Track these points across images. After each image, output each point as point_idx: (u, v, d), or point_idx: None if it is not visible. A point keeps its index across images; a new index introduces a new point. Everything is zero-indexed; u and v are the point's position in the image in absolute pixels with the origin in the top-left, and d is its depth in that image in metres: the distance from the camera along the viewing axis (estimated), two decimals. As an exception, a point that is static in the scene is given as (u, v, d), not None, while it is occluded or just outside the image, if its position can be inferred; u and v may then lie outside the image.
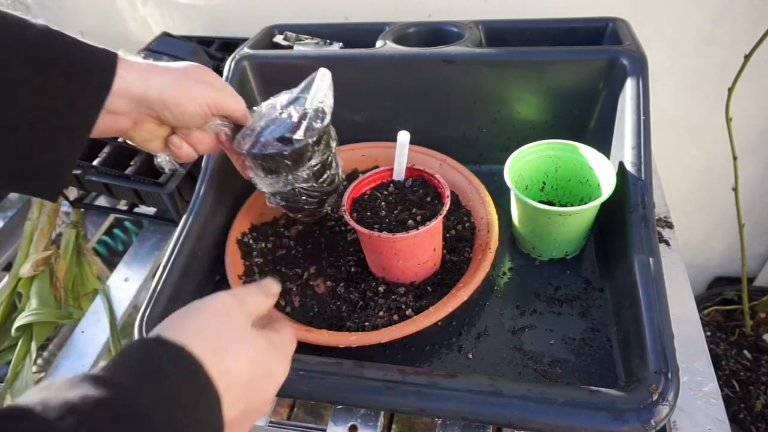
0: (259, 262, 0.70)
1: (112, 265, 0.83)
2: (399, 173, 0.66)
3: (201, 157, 0.74)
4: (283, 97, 0.63)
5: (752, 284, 1.32)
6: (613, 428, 0.45)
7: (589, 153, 0.66)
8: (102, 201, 0.92)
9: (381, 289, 0.64)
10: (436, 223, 0.58)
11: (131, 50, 0.90)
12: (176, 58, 0.90)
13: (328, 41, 0.86)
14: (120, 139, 0.81)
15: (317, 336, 0.58)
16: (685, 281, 0.68)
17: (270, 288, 0.47)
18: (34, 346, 0.71)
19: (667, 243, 0.72)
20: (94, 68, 0.47)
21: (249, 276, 0.67)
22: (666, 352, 0.48)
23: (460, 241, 0.68)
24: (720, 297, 1.27)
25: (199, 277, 0.67)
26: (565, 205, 0.70)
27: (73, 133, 0.46)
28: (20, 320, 0.71)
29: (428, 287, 0.64)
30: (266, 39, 0.87)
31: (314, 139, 0.58)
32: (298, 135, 0.59)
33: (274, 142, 0.59)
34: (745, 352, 1.15)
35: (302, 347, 0.57)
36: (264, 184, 0.62)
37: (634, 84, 0.67)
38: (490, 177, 0.73)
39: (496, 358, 0.58)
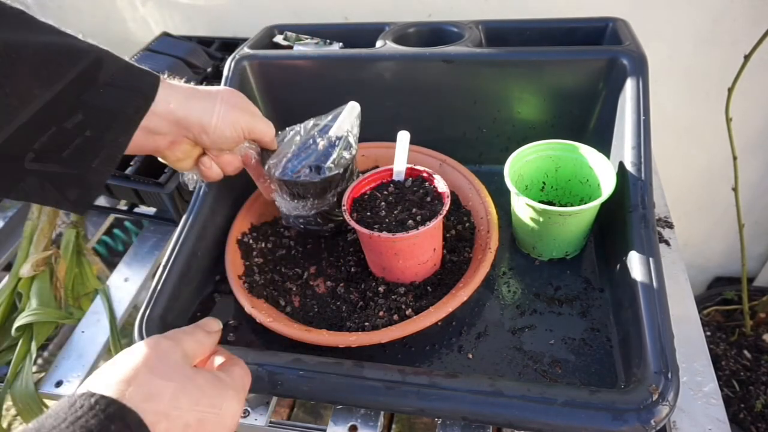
0: (259, 262, 0.70)
1: (112, 265, 0.83)
2: (399, 173, 0.66)
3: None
4: (309, 124, 0.66)
5: (752, 284, 1.32)
6: (613, 428, 0.45)
7: (589, 153, 0.66)
8: (102, 201, 0.92)
9: (381, 289, 0.64)
10: (436, 223, 0.58)
11: (131, 50, 0.90)
12: (176, 58, 0.90)
13: (328, 41, 0.86)
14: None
15: (317, 336, 0.58)
16: (685, 281, 0.68)
17: (210, 326, 0.46)
18: (34, 346, 0.71)
19: (667, 243, 0.72)
20: (137, 88, 0.48)
21: (249, 276, 0.67)
22: (666, 352, 0.48)
23: (460, 241, 0.68)
24: (720, 297, 1.27)
25: (199, 277, 0.67)
26: (565, 205, 0.70)
27: (109, 149, 0.48)
28: (20, 320, 0.71)
29: (428, 287, 0.64)
30: (266, 39, 0.87)
31: (343, 169, 0.62)
32: (329, 164, 0.62)
33: (306, 170, 0.62)
34: (745, 352, 1.15)
35: (302, 347, 0.58)
36: (289, 207, 0.65)
37: (634, 84, 0.67)
38: (490, 177, 0.73)
39: (496, 358, 0.58)
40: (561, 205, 0.70)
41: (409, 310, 0.61)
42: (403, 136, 0.66)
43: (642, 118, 0.65)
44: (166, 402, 0.36)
